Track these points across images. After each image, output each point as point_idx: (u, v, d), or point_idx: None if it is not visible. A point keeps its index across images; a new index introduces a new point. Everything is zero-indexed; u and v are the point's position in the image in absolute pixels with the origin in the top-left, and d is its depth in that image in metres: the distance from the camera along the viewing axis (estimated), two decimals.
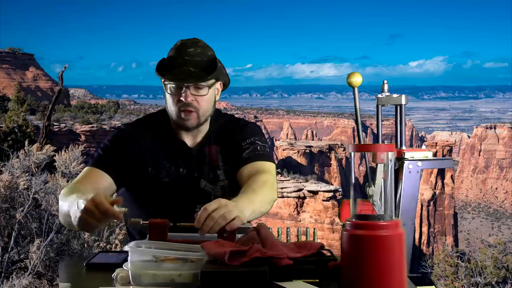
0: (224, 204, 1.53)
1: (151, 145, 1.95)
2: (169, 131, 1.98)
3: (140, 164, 1.92)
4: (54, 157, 6.59)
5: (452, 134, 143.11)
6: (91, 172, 1.89)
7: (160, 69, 1.88)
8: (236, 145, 1.98)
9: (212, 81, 1.89)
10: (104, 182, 1.87)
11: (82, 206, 1.48)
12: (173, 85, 1.85)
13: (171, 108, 1.89)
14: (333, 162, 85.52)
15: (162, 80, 1.90)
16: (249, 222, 1.64)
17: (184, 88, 1.84)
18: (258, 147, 1.98)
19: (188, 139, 1.97)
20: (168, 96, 1.89)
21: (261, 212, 1.72)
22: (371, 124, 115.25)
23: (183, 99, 1.84)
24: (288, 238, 1.59)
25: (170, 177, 1.93)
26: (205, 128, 1.98)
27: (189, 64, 1.84)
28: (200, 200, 1.90)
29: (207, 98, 1.89)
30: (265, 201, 1.76)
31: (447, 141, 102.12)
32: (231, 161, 1.97)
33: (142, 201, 1.94)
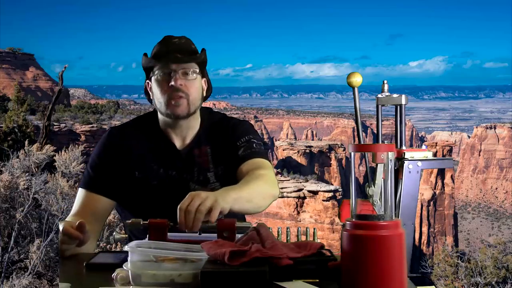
0: (196, 194, 1.52)
1: (139, 149, 1.93)
2: (158, 132, 1.95)
3: (127, 171, 1.91)
4: (54, 157, 6.59)
5: (452, 134, 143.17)
6: (86, 197, 1.90)
7: (146, 61, 1.90)
8: (230, 144, 1.95)
9: (198, 69, 1.89)
10: (102, 204, 1.90)
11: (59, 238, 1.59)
12: (161, 73, 1.86)
13: (160, 99, 1.87)
14: (333, 162, 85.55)
15: (147, 83, 1.92)
16: (241, 214, 1.62)
17: (172, 73, 1.84)
18: (254, 145, 1.95)
19: (178, 140, 1.94)
20: (155, 88, 1.88)
21: (252, 203, 1.68)
22: (371, 124, 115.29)
23: (173, 83, 1.83)
24: (288, 238, 1.59)
25: (159, 179, 1.91)
26: (194, 126, 1.95)
27: (175, 51, 1.85)
28: None
29: (196, 85, 1.88)
30: (259, 193, 1.73)
31: (447, 141, 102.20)
32: (224, 161, 1.95)
33: (133, 207, 1.92)
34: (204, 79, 1.95)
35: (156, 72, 1.87)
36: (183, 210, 1.49)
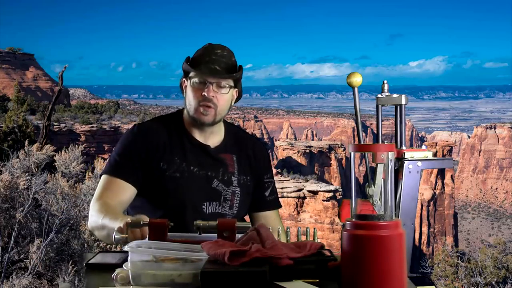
0: None
1: (164, 141, 2.01)
2: (182, 130, 2.04)
3: (152, 161, 1.98)
4: (54, 157, 6.58)
5: (452, 134, 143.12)
6: (111, 183, 1.96)
7: (187, 64, 1.97)
8: (257, 172, 2.11)
9: (232, 83, 1.98)
10: (126, 191, 1.96)
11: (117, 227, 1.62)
12: (197, 80, 1.94)
13: (191, 102, 1.97)
14: (333, 162, 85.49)
15: (183, 80, 2.00)
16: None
17: (207, 83, 1.93)
18: (274, 187, 2.16)
19: (202, 139, 2.03)
20: (189, 91, 1.98)
21: None
22: (371, 124, 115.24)
23: (206, 94, 1.93)
24: (288, 238, 1.59)
25: (181, 172, 1.98)
26: (217, 131, 2.05)
27: (216, 62, 1.93)
28: (209, 199, 1.99)
29: (226, 98, 1.98)
30: None
31: (447, 141, 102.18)
32: (247, 175, 2.07)
33: (154, 197, 1.99)
34: (236, 89, 2.04)
35: (193, 78, 1.95)
36: None
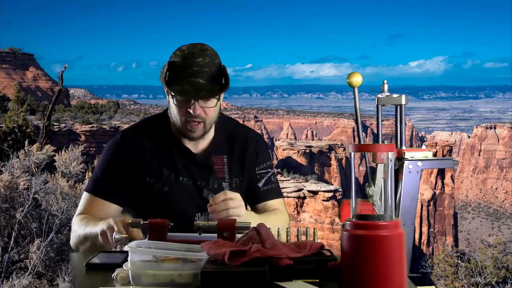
0: (240, 204, 1.69)
1: (150, 153, 1.89)
2: (170, 137, 1.92)
3: (138, 176, 1.88)
4: (54, 157, 6.59)
5: (452, 134, 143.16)
6: (94, 202, 1.88)
7: (166, 78, 1.80)
8: (248, 164, 1.97)
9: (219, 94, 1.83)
10: (109, 209, 1.88)
11: (110, 226, 1.61)
12: (179, 98, 1.79)
13: (177, 117, 1.83)
14: (333, 162, 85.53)
15: (165, 87, 1.83)
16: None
17: (193, 101, 1.77)
18: (272, 178, 2.00)
19: (191, 145, 1.91)
20: (172, 106, 1.83)
21: None
22: (371, 124, 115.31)
23: (192, 112, 1.78)
24: (288, 238, 1.59)
25: (169, 185, 1.89)
26: (209, 134, 1.92)
27: (198, 75, 1.76)
28: (201, 209, 1.90)
29: (215, 108, 1.83)
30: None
31: (447, 141, 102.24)
32: (239, 175, 1.96)
33: (143, 211, 1.90)
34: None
35: (174, 94, 1.78)
36: (226, 195, 1.69)
